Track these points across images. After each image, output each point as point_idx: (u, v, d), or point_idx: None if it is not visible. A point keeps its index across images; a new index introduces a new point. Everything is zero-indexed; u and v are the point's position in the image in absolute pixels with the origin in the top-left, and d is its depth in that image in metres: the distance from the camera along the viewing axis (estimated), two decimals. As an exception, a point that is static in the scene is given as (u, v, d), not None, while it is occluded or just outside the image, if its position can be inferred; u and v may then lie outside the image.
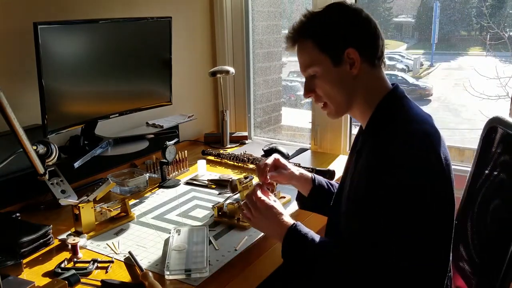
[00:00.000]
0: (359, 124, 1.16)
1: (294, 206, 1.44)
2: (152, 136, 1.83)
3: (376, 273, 0.96)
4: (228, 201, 1.40)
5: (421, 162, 0.93)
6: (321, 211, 1.36)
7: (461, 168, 1.71)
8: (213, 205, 1.39)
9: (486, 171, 1.19)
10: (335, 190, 1.32)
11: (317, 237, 1.06)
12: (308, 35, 1.07)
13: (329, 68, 1.06)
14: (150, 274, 1.03)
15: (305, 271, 1.06)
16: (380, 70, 1.09)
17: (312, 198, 1.32)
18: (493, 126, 1.17)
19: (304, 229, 1.08)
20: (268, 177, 1.28)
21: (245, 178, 1.42)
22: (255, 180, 1.52)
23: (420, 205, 0.93)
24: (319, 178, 1.35)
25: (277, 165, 1.33)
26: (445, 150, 0.99)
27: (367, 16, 1.07)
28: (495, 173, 1.15)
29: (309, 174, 1.35)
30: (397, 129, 0.99)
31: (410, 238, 0.93)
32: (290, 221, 1.10)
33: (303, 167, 1.69)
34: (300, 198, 1.38)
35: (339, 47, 1.04)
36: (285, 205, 1.44)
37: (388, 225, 0.93)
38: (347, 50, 1.03)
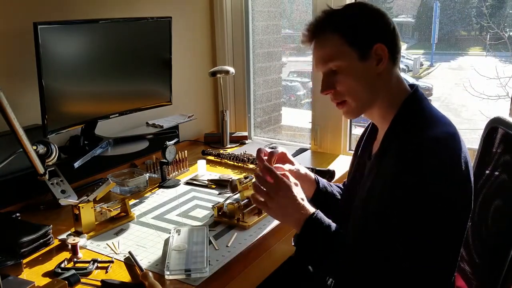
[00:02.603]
0: (361, 125, 1.15)
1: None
2: (151, 136, 1.83)
3: (381, 273, 0.95)
4: (228, 201, 1.40)
5: (446, 168, 0.92)
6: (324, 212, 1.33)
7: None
8: (213, 205, 1.38)
9: (487, 171, 1.19)
10: (334, 191, 1.32)
11: (335, 229, 1.01)
12: (335, 28, 1.02)
13: (355, 62, 1.02)
14: (150, 274, 1.03)
15: (314, 261, 1.04)
16: (398, 71, 1.07)
17: (316, 201, 1.27)
18: (494, 126, 1.17)
19: (325, 220, 1.02)
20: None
21: (245, 178, 1.42)
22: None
23: (436, 210, 0.91)
24: (322, 180, 1.31)
25: (284, 160, 1.24)
26: (467, 152, 0.97)
27: (388, 15, 1.05)
28: (496, 173, 1.15)
29: (312, 175, 1.29)
30: (423, 133, 0.96)
31: (419, 241, 0.92)
32: (310, 208, 1.04)
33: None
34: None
35: (369, 41, 1.01)
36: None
37: (399, 225, 0.92)
38: (376, 45, 1.00)
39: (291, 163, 1.25)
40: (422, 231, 0.92)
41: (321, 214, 1.03)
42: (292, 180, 1.07)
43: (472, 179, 0.98)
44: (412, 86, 1.08)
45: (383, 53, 1.01)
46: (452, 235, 0.97)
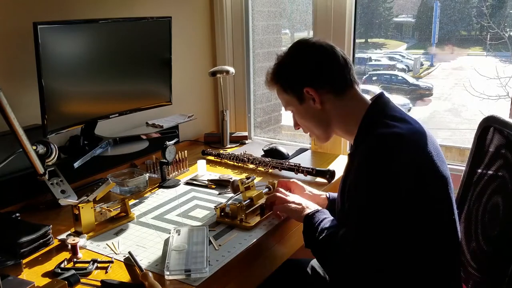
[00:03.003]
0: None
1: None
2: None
3: (350, 266, 1.03)
4: (230, 202, 1.40)
5: (381, 167, 1.00)
6: None
7: (461, 168, 1.70)
8: (215, 206, 1.38)
9: (480, 170, 1.20)
10: None
11: (327, 226, 1.12)
12: (274, 81, 1.23)
13: (298, 106, 1.20)
14: (150, 274, 1.03)
15: (314, 253, 1.15)
16: (353, 92, 1.16)
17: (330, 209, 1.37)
18: (487, 125, 1.18)
19: (319, 218, 1.15)
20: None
21: (247, 178, 1.42)
22: (257, 180, 1.53)
23: (387, 207, 0.99)
24: (333, 194, 1.41)
25: (292, 189, 1.43)
26: (425, 148, 1.03)
27: (330, 49, 1.16)
28: (490, 172, 1.16)
29: (323, 193, 1.43)
30: (372, 136, 1.04)
31: (385, 236, 1.00)
32: (309, 209, 1.21)
33: (303, 167, 1.69)
34: None
35: (297, 87, 1.17)
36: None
37: (365, 227, 1.01)
38: (304, 89, 1.15)
39: (302, 190, 1.43)
40: (384, 229, 1.00)
41: (317, 215, 1.17)
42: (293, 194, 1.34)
43: (441, 172, 1.04)
44: (377, 95, 1.16)
45: (313, 93, 1.15)
46: (422, 227, 1.03)
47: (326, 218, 1.15)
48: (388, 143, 1.01)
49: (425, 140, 1.04)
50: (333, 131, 1.21)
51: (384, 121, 1.06)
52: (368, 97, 1.18)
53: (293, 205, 1.26)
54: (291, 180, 1.45)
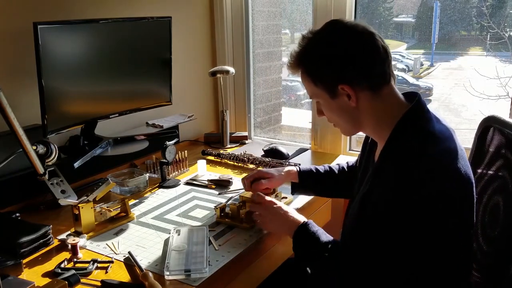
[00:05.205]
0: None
1: (295, 205, 1.44)
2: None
3: (379, 282, 0.98)
4: (230, 202, 1.40)
5: (440, 186, 0.92)
6: (312, 192, 1.48)
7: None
8: (215, 206, 1.38)
9: (480, 170, 1.20)
10: (318, 167, 1.43)
11: (325, 237, 1.09)
12: (303, 67, 1.06)
13: (328, 100, 1.06)
14: (150, 274, 1.03)
15: (311, 267, 1.12)
16: (389, 88, 1.04)
17: (301, 182, 1.41)
18: (488, 125, 1.18)
19: (314, 227, 1.11)
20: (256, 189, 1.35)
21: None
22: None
23: (419, 227, 0.93)
24: (305, 166, 1.43)
25: (262, 177, 1.37)
26: (463, 165, 0.96)
27: (370, 38, 1.00)
28: (490, 172, 1.16)
29: (295, 168, 1.43)
30: (414, 150, 0.95)
31: (408, 253, 0.95)
32: (300, 218, 1.15)
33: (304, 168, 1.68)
34: (292, 186, 1.46)
35: (332, 83, 1.02)
36: (287, 205, 1.44)
37: (390, 241, 0.95)
38: (339, 85, 1.01)
39: (271, 175, 1.38)
40: (410, 246, 0.94)
41: (311, 223, 1.13)
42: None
43: (474, 194, 0.99)
44: (414, 95, 1.05)
45: (349, 91, 1.01)
46: (443, 250, 0.98)
47: (319, 230, 1.11)
48: (420, 168, 0.92)
49: (456, 161, 0.95)
50: (362, 128, 1.09)
51: (418, 138, 0.97)
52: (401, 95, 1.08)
53: (274, 224, 1.21)
54: (260, 182, 1.35)
